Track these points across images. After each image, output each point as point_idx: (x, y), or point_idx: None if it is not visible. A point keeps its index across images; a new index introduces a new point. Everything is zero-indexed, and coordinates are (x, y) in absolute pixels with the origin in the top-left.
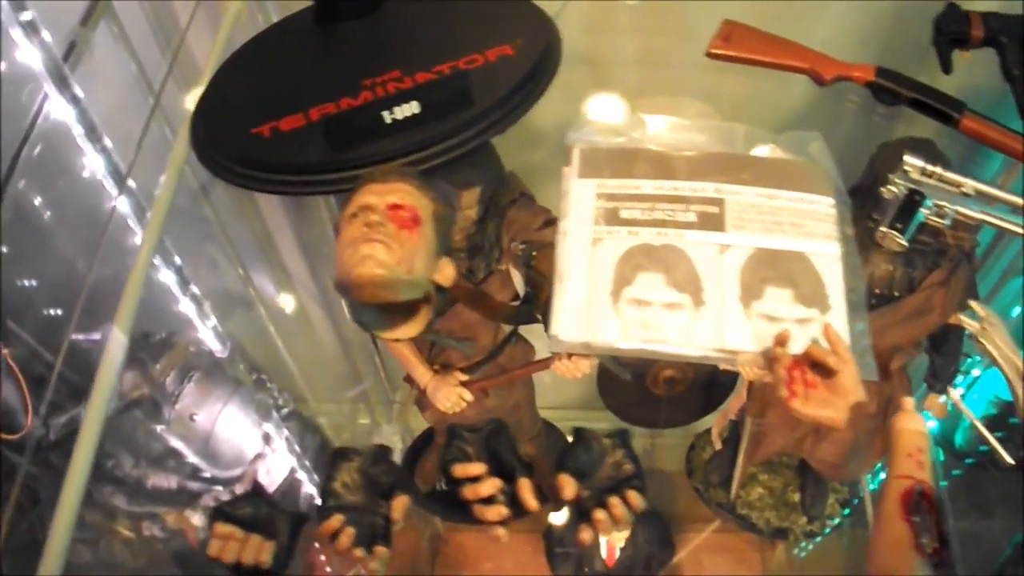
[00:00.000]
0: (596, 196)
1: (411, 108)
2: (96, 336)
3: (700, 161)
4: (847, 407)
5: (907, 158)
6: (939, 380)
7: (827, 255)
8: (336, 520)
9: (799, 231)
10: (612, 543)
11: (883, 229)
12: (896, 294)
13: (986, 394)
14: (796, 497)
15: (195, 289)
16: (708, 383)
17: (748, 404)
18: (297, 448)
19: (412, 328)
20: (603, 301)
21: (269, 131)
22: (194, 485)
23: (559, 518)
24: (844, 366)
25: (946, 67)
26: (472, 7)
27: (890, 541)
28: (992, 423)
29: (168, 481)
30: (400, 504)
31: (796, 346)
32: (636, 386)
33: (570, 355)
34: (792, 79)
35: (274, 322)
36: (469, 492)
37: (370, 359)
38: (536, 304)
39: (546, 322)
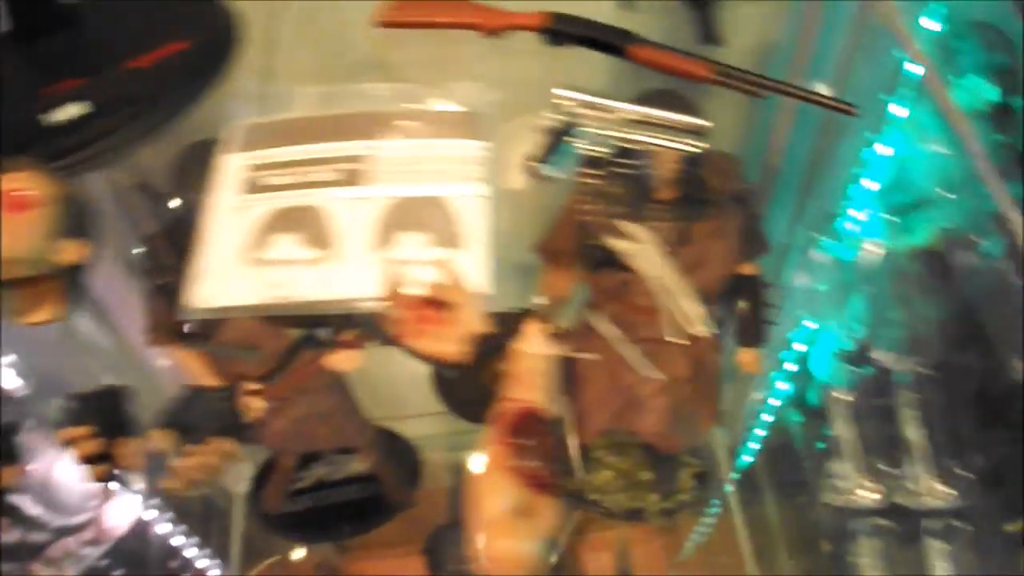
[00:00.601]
0: (242, 169)
1: (78, 110)
2: None
3: (348, 121)
4: (460, 338)
5: (557, 91)
6: (745, 334)
7: (468, 196)
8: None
9: (442, 176)
10: None
11: (527, 161)
12: (671, 250)
13: (830, 347)
14: (646, 476)
15: None
16: None
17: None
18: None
19: (45, 312)
20: (237, 265)
21: None
22: (38, 537)
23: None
24: (458, 298)
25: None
26: (158, 7)
27: (485, 464)
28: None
29: (9, 536)
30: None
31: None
32: (469, 382)
33: (339, 346)
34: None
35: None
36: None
37: None
38: None
39: None
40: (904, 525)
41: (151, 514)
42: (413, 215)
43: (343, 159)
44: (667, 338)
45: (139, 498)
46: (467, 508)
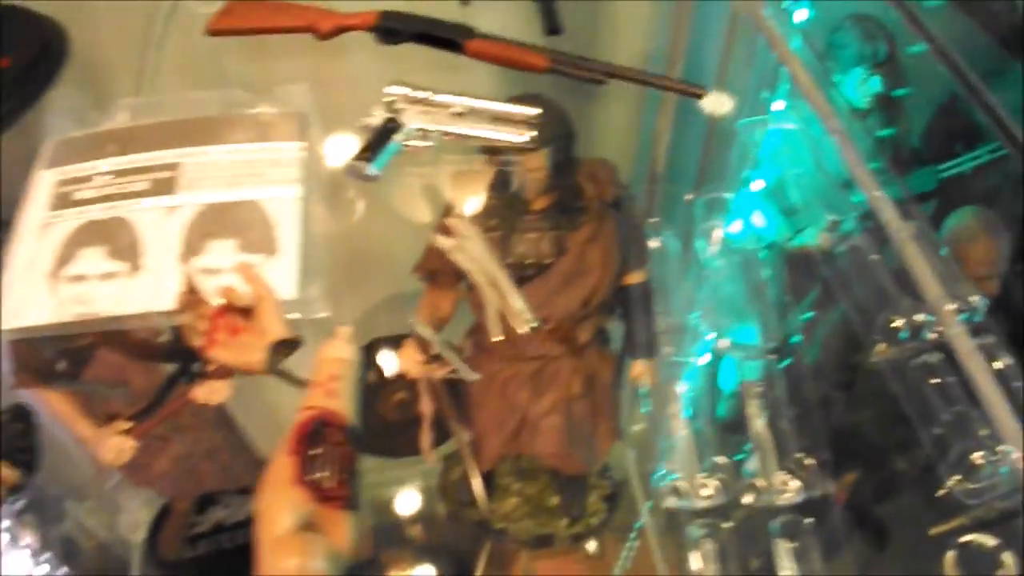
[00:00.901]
0: (53, 184)
1: None
2: None
3: (164, 130)
4: (265, 347)
5: (388, 88)
6: (636, 345)
7: (283, 199)
8: None
9: (257, 180)
10: None
11: (350, 161)
12: (548, 261)
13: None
14: (554, 501)
15: None
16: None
17: (440, 402)
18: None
19: None
20: (38, 284)
21: None
22: None
23: None
24: (259, 303)
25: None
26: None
27: (269, 476)
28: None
29: None
30: None
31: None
32: (369, 414)
33: (206, 378)
34: None
35: None
36: None
37: None
38: None
39: None
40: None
41: (42, 569)
42: (224, 221)
43: (158, 167)
44: (494, 337)
45: (27, 552)
46: (257, 526)
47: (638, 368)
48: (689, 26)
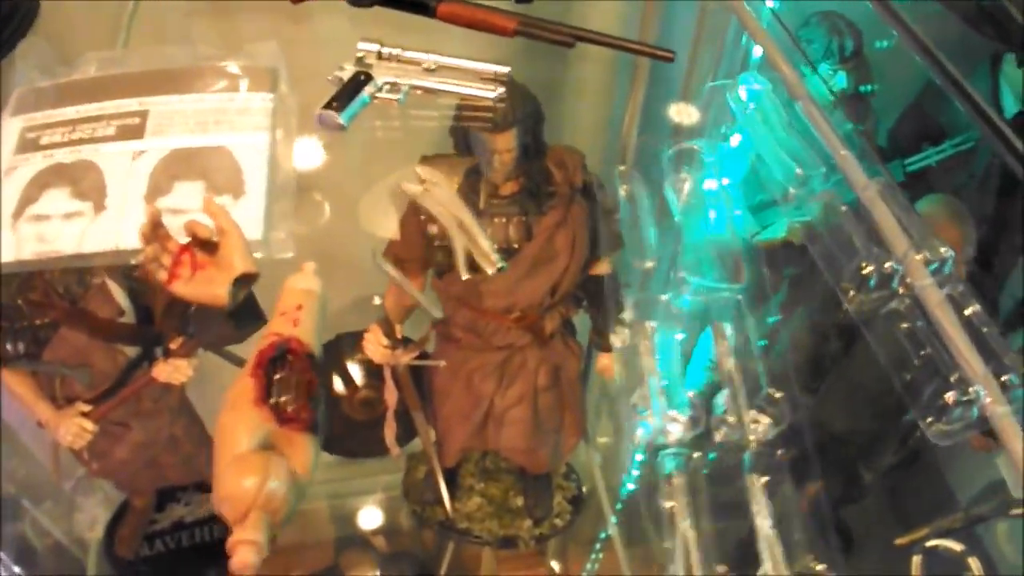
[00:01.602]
0: (20, 131)
1: None
2: None
3: (132, 80)
4: (229, 280)
5: (360, 44)
6: (601, 338)
7: (251, 144)
8: None
9: (226, 128)
10: None
11: (320, 109)
12: (516, 246)
13: (702, 360)
14: (519, 501)
15: None
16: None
17: (404, 392)
18: None
19: None
20: (6, 222)
21: None
22: None
23: None
24: (224, 237)
25: None
26: None
27: (232, 395)
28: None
29: None
30: None
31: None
32: (336, 414)
33: (168, 356)
34: None
35: None
36: None
37: None
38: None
39: None
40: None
41: None
42: (191, 165)
43: (125, 114)
44: (464, 276)
45: None
46: (215, 447)
47: (604, 361)
48: (659, 17)
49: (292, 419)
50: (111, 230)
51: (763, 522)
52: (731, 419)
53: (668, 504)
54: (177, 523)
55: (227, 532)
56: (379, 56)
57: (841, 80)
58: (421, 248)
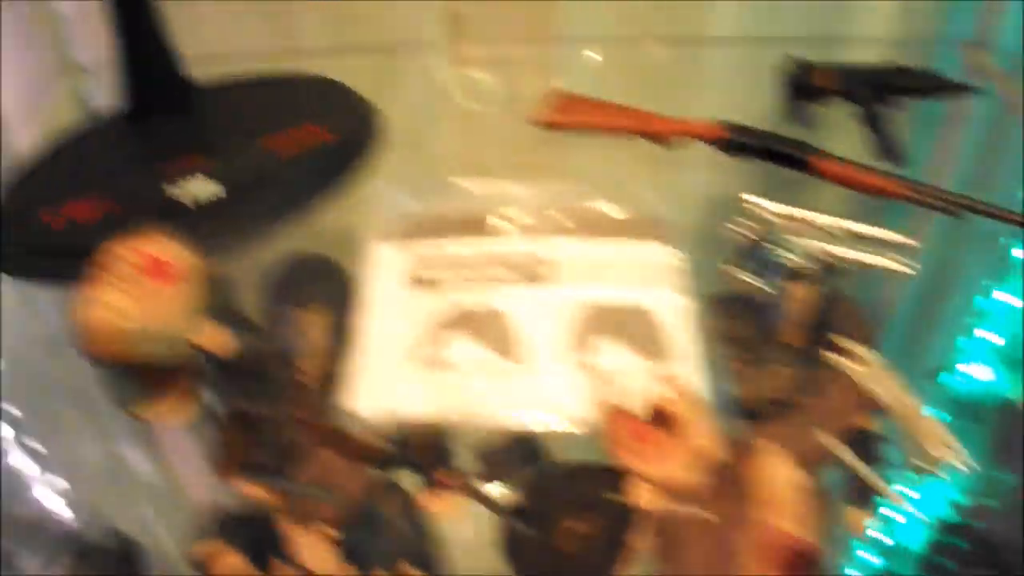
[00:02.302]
0: (405, 261)
1: (206, 187)
2: None
3: (524, 219)
4: (690, 463)
5: (748, 197)
6: (857, 492)
7: (667, 304)
8: None
9: (634, 281)
10: None
11: (725, 267)
12: (795, 399)
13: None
14: None
15: None
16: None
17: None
18: None
19: (168, 407)
20: (408, 368)
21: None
22: None
23: None
24: (692, 416)
25: (801, 120)
26: (285, 92)
27: None
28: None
29: None
30: None
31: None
32: (543, 544)
33: (436, 485)
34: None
35: None
36: None
37: None
38: None
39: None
40: None
41: None
42: (608, 321)
43: (525, 257)
44: None
45: None
46: None
47: (854, 515)
48: None
49: None
50: (536, 389)
51: None
52: None
53: None
54: None
55: None
56: (771, 213)
57: None
58: None
